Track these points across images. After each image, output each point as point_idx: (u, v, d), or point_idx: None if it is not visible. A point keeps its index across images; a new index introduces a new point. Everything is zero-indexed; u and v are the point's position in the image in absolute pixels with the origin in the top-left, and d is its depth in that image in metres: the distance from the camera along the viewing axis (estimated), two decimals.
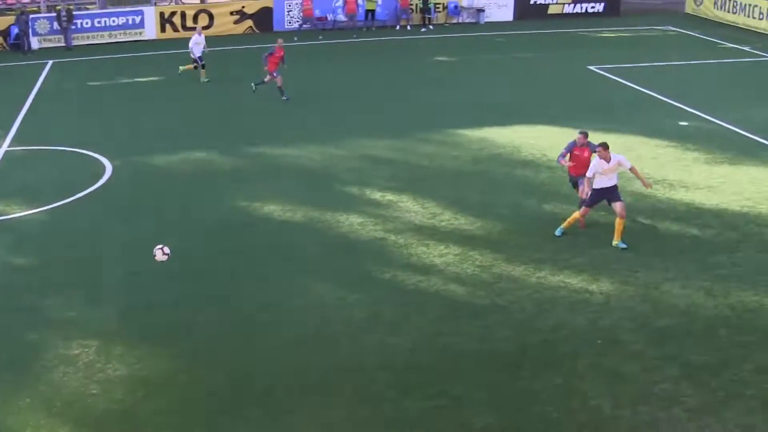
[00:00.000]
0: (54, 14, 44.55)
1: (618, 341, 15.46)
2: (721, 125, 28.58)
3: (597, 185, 19.11)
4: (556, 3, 48.20)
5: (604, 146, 18.92)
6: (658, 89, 32.98)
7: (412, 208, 21.22)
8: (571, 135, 26.25)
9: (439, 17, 46.08)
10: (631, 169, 19.49)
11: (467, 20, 46.30)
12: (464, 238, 19.58)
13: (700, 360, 14.86)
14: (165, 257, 17.16)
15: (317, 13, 46.23)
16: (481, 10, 46.42)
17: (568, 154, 20.18)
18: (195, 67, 35.93)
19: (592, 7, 49.00)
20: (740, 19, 46.56)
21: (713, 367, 14.69)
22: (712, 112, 29.94)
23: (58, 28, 44.50)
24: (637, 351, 15.14)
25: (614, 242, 19.14)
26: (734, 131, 27.97)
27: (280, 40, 33.03)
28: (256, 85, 32.62)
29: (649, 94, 32.48)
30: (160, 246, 17.23)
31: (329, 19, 46.47)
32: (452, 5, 46.09)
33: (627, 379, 14.26)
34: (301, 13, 46.26)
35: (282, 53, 32.16)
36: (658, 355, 15.02)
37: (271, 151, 26.82)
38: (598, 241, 19.36)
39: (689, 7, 50.54)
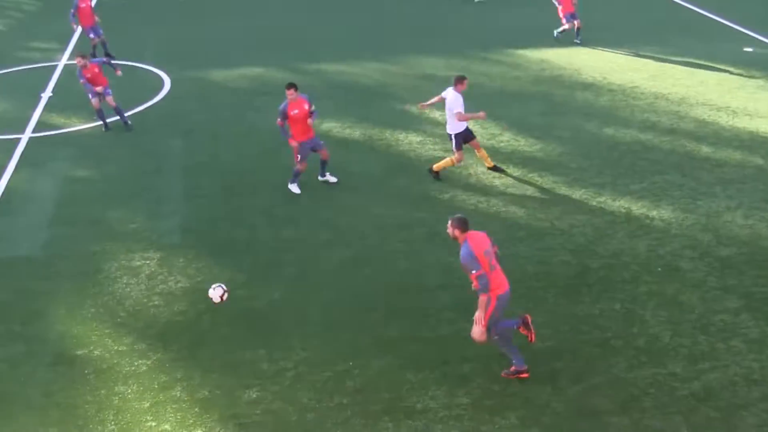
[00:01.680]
0: None
1: (678, 269, 15.31)
2: None
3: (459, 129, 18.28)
4: None
5: (461, 79, 18.03)
6: (721, 12, 32.20)
7: (471, 127, 21.02)
8: (631, 60, 26.01)
9: None
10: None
11: None
12: (524, 160, 19.44)
13: (762, 292, 14.71)
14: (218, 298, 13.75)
15: None
16: None
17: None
18: None
19: None
20: None
21: None
22: None
23: None
24: (697, 280, 15.00)
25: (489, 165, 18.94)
26: None
27: None
28: None
29: (711, 18, 31.74)
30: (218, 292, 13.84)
31: None
32: None
33: (686, 309, 14.15)
34: None
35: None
36: (719, 285, 14.86)
37: (329, 67, 26.75)
38: (660, 166, 19.11)
39: None
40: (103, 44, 27.88)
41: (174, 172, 19.69)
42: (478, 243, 12.11)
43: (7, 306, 14.87)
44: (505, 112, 22.13)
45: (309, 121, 17.94)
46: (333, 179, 18.70)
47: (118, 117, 22.15)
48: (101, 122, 22.19)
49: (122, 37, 30.59)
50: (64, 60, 28.82)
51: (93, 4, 27.37)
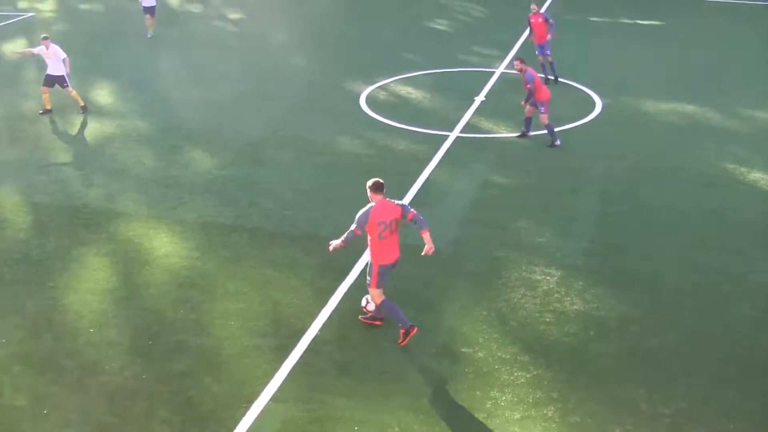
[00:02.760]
0: None
1: None
2: None
3: None
4: None
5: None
6: None
7: None
8: None
9: None
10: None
11: None
12: None
13: None
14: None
15: None
16: None
17: None
18: None
19: None
20: None
21: None
22: None
23: None
24: None
25: None
26: None
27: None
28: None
29: None
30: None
31: None
32: None
33: None
34: None
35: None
36: None
37: (765, 115, 25.37)
38: None
39: None
40: (550, 65, 28.08)
41: (590, 195, 19.58)
42: (378, 211, 13.63)
43: (406, 291, 15.49)
44: None
45: None
46: None
47: (546, 131, 22.34)
48: (525, 129, 22.71)
49: (560, 53, 30.92)
50: (502, 68, 29.61)
51: (541, 20, 27.76)
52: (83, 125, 25.38)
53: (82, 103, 26.31)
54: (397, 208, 13.73)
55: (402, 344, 13.95)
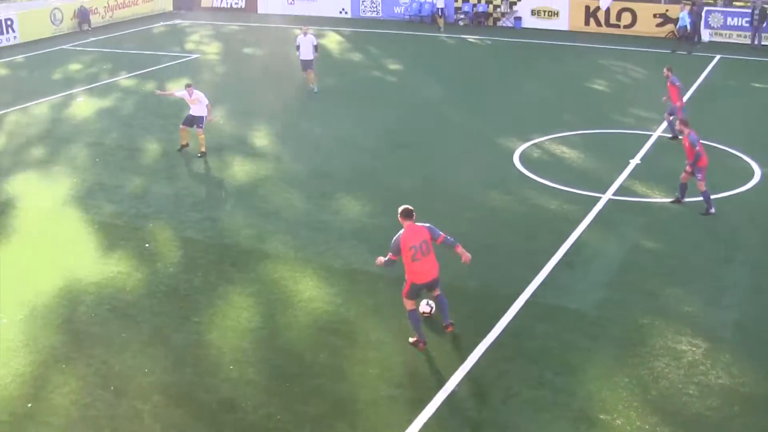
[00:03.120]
0: (748, 10, 45.36)
1: None
2: None
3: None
4: None
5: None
6: None
7: None
8: None
9: None
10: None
11: None
12: None
13: None
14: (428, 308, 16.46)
15: None
16: None
17: None
18: None
19: None
20: None
21: None
22: None
23: (747, 24, 45.22)
24: None
25: None
26: None
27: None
28: None
29: None
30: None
31: None
32: None
33: None
34: None
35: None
36: None
37: None
38: None
39: None
40: (670, 124, 27.71)
41: (743, 266, 18.89)
42: (408, 236, 14.78)
43: (547, 352, 15.26)
44: None
45: None
46: None
47: (702, 199, 21.68)
48: (679, 195, 22.15)
49: (719, 119, 30.25)
50: (659, 131, 29.04)
51: (669, 83, 27.34)
52: (238, 165, 26.06)
53: (203, 150, 27.00)
54: (425, 231, 14.96)
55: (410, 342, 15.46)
